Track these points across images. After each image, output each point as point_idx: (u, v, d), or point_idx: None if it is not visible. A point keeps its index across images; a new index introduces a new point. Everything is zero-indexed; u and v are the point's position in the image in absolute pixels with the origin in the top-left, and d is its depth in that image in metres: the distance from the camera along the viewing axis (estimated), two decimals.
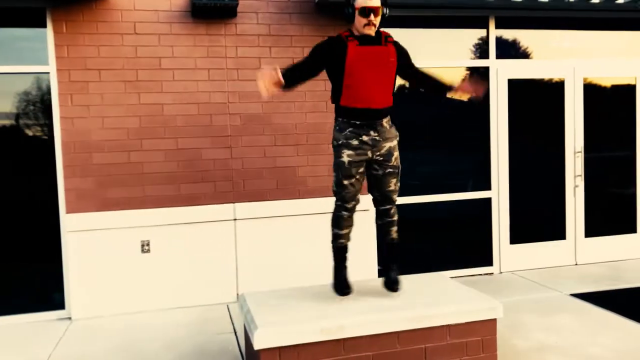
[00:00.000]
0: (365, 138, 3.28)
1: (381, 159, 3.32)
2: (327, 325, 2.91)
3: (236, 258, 5.11)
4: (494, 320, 3.17)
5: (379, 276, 5.44)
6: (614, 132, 6.10)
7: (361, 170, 3.33)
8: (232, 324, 4.51)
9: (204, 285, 5.03)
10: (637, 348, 3.70)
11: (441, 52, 5.61)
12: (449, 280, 3.71)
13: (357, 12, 3.19)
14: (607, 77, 6.00)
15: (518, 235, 5.82)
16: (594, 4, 5.59)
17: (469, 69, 5.68)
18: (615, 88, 6.07)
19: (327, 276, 5.25)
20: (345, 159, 3.27)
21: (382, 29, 3.32)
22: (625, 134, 6.14)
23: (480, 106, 5.69)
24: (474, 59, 5.70)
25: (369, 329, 2.97)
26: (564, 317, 4.34)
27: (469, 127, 5.79)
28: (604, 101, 6.02)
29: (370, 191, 3.47)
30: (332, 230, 3.50)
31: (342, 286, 3.42)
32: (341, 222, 3.43)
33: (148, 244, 4.90)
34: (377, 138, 3.30)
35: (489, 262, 5.78)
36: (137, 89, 4.83)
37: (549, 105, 5.89)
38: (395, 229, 3.47)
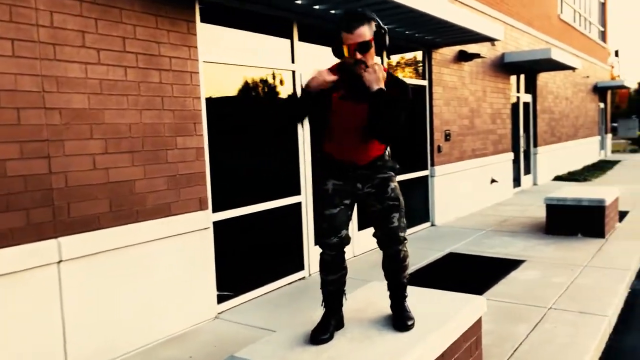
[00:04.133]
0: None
1: (374, 190, 2.86)
2: None
3: (63, 317, 3.55)
4: (481, 317, 3.30)
5: (219, 302, 4.74)
6: None
7: (347, 201, 2.86)
8: None
9: None
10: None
11: (253, 53, 5.24)
12: (414, 288, 3.59)
13: None
14: None
15: None
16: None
17: (275, 70, 5.48)
18: None
19: (184, 314, 4.30)
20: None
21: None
22: None
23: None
24: (281, 62, 5.54)
25: (431, 356, 2.65)
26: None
27: (278, 131, 5.58)
28: None
29: (374, 233, 2.96)
30: (320, 275, 2.94)
31: (318, 331, 2.75)
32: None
33: None
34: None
35: (300, 266, 5.76)
36: None
37: None
38: (406, 274, 2.98)
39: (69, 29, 3.56)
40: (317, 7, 5.52)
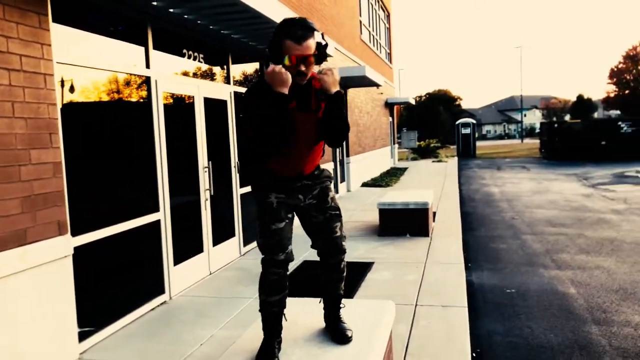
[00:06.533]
0: None
1: (315, 201, 2.79)
2: None
3: None
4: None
5: (80, 340, 4.10)
6: (226, 146, 6.70)
7: (290, 215, 2.75)
8: None
9: None
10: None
11: (108, 56, 4.67)
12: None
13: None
14: (218, 99, 6.57)
15: (176, 256, 5.57)
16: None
17: (131, 75, 4.95)
18: (221, 107, 6.70)
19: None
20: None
21: None
22: (225, 145, 6.86)
23: (141, 120, 5.11)
24: (137, 67, 5.02)
25: None
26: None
27: (134, 144, 5.05)
28: (213, 118, 6.52)
29: (313, 244, 2.86)
30: (260, 296, 2.75)
31: (265, 357, 2.61)
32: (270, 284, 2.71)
33: None
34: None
35: (161, 290, 5.28)
36: None
37: (188, 121, 5.91)
38: (343, 284, 2.95)
39: None
40: (172, 10, 5.19)
